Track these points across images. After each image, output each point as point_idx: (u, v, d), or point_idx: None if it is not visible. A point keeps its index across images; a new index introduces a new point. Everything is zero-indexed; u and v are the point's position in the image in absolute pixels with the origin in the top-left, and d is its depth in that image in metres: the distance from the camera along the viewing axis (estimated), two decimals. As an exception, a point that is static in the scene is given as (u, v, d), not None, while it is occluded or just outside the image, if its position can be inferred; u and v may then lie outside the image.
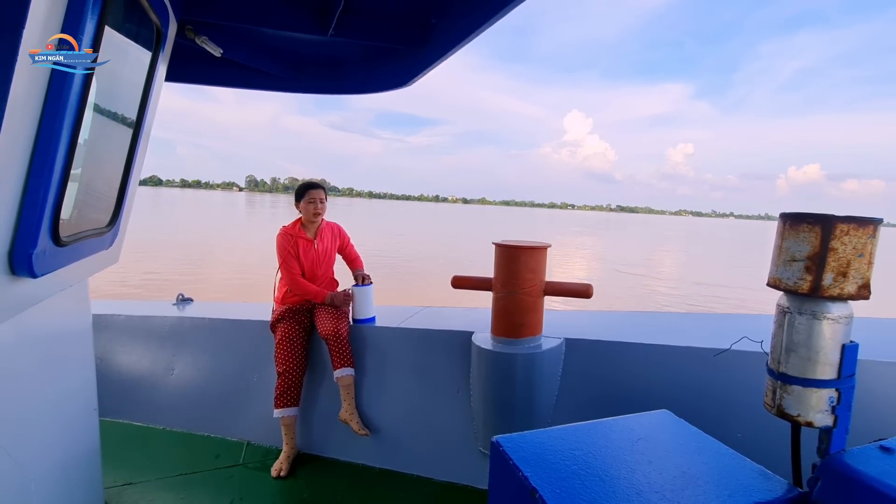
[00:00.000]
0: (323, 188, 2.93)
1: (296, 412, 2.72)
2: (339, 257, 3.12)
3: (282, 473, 2.64)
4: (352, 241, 3.15)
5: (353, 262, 3.12)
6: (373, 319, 2.94)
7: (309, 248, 2.88)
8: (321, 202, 2.87)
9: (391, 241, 29.09)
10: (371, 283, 3.00)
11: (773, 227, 1.24)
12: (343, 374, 2.68)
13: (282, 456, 2.71)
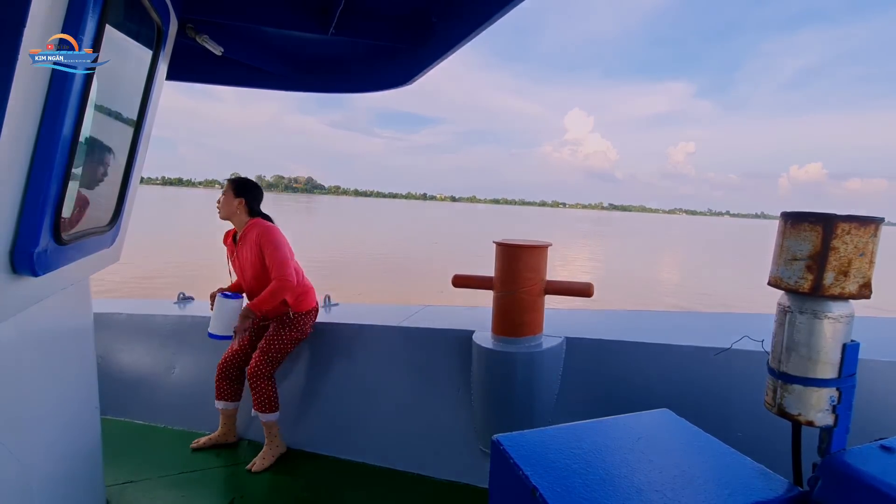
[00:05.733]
0: (231, 184, 2.70)
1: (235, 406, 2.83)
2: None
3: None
4: (288, 252, 2.62)
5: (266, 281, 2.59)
6: (229, 338, 2.57)
7: (231, 254, 2.74)
8: (218, 203, 2.68)
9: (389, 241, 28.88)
10: (241, 296, 2.67)
11: (769, 225, 1.24)
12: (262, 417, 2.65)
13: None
